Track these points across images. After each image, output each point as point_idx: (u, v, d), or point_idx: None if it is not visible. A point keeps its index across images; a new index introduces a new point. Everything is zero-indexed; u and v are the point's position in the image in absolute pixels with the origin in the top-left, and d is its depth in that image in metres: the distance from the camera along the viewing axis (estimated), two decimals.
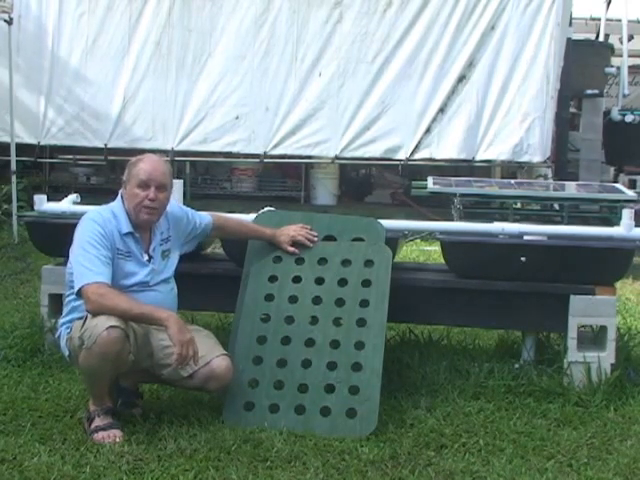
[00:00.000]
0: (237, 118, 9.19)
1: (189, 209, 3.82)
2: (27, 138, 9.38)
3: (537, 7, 8.83)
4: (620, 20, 11.25)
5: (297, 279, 3.82)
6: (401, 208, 9.91)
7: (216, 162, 10.30)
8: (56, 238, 4.11)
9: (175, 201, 3.81)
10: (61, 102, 9.40)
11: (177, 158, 9.36)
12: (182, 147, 9.31)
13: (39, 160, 9.83)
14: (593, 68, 10.46)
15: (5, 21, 8.05)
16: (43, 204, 4.51)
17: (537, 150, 8.82)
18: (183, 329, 3.24)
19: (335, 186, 10.63)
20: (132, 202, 3.46)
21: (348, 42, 9.05)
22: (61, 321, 3.52)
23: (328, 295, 3.74)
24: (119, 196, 3.55)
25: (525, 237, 4.11)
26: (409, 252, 7.57)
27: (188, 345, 3.22)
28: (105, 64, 9.34)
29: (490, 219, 5.82)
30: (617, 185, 8.31)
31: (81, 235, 3.40)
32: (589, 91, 10.48)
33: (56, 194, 5.92)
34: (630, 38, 11.47)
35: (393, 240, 4.06)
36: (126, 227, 3.47)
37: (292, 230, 3.93)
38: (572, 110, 10.88)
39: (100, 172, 10.70)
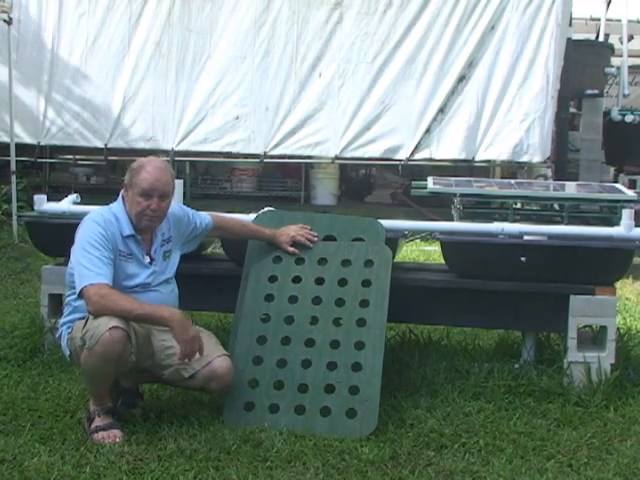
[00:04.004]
0: (237, 118, 9.20)
1: (189, 209, 3.82)
2: (27, 138, 9.40)
3: (537, 7, 8.84)
4: (620, 20, 11.26)
5: (297, 279, 3.82)
6: (401, 208, 9.92)
7: (216, 162, 10.30)
8: (56, 238, 4.11)
9: (176, 201, 3.80)
10: (61, 102, 9.41)
11: (177, 158, 9.36)
12: (182, 147, 9.32)
13: (39, 160, 9.84)
14: (593, 68, 10.46)
15: (5, 21, 8.05)
16: (43, 204, 4.51)
17: (537, 150, 8.82)
18: (187, 327, 3.24)
19: (335, 186, 10.63)
20: (134, 209, 3.45)
21: (348, 42, 9.06)
22: (62, 321, 3.52)
23: (328, 295, 3.74)
24: (120, 197, 3.54)
25: (525, 237, 4.11)
26: (409, 252, 7.57)
27: (192, 343, 3.23)
28: (105, 64, 9.35)
29: (490, 219, 5.82)
30: (617, 185, 8.30)
31: (82, 236, 3.39)
32: (589, 91, 10.48)
33: (56, 194, 5.92)
34: (630, 38, 11.48)
35: (393, 240, 4.06)
36: (128, 229, 3.46)
37: (292, 230, 3.93)
38: (572, 110, 10.88)
39: (100, 172, 10.71)
